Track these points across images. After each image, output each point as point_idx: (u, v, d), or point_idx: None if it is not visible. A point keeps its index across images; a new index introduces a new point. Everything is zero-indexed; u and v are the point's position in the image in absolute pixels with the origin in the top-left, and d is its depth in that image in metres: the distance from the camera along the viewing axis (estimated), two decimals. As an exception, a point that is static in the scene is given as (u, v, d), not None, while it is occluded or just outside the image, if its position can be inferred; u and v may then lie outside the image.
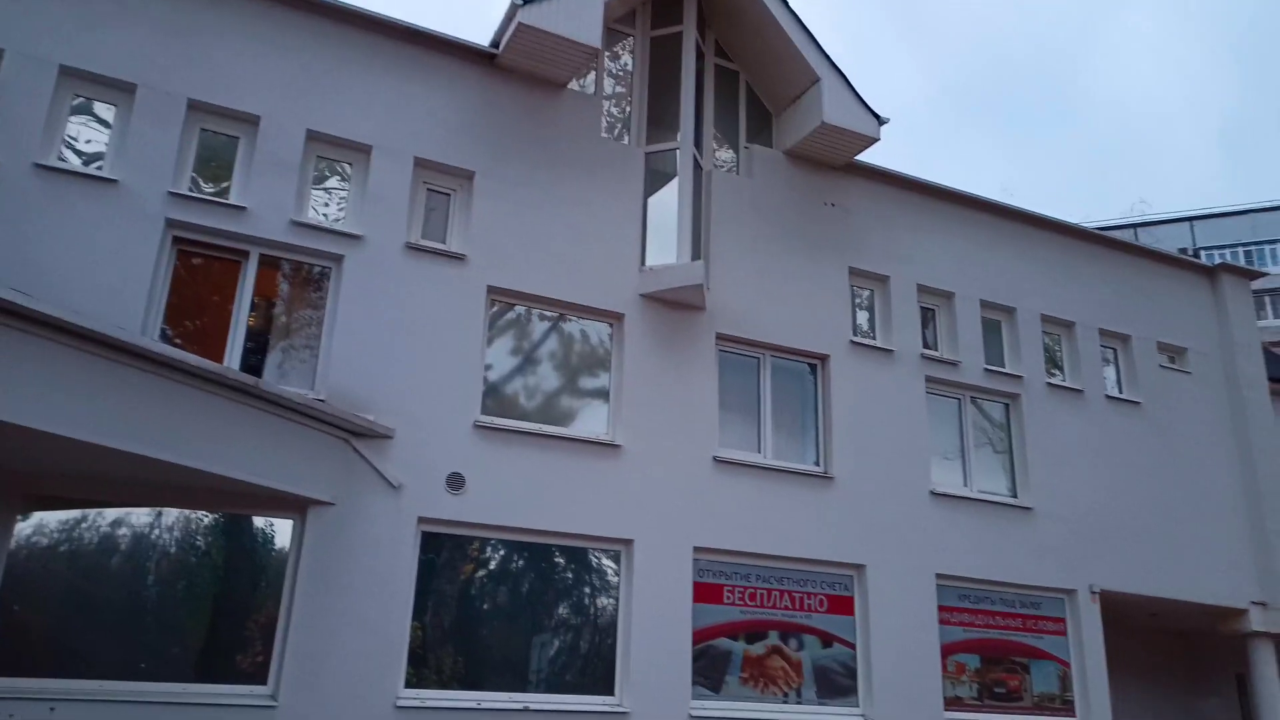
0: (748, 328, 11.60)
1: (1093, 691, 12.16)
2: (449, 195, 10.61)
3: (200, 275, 9.47)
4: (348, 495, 9.05)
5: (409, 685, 9.01)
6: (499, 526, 9.78)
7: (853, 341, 12.18)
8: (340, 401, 9.19)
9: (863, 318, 12.73)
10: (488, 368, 10.32)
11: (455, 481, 9.54)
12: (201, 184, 9.56)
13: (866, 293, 12.80)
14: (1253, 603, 13.56)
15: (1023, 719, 11.82)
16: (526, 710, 9.29)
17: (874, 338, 12.55)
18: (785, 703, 10.65)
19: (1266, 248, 50.87)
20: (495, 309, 10.54)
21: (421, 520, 9.39)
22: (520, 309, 10.68)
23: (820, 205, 12.56)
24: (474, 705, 9.11)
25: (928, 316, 13.13)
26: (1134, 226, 47.93)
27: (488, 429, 9.89)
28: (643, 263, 11.20)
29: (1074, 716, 12.10)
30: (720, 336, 11.44)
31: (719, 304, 11.44)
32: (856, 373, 12.08)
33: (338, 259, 9.77)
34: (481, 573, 9.84)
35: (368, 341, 9.59)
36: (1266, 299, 49.72)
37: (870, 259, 12.68)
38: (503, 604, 9.83)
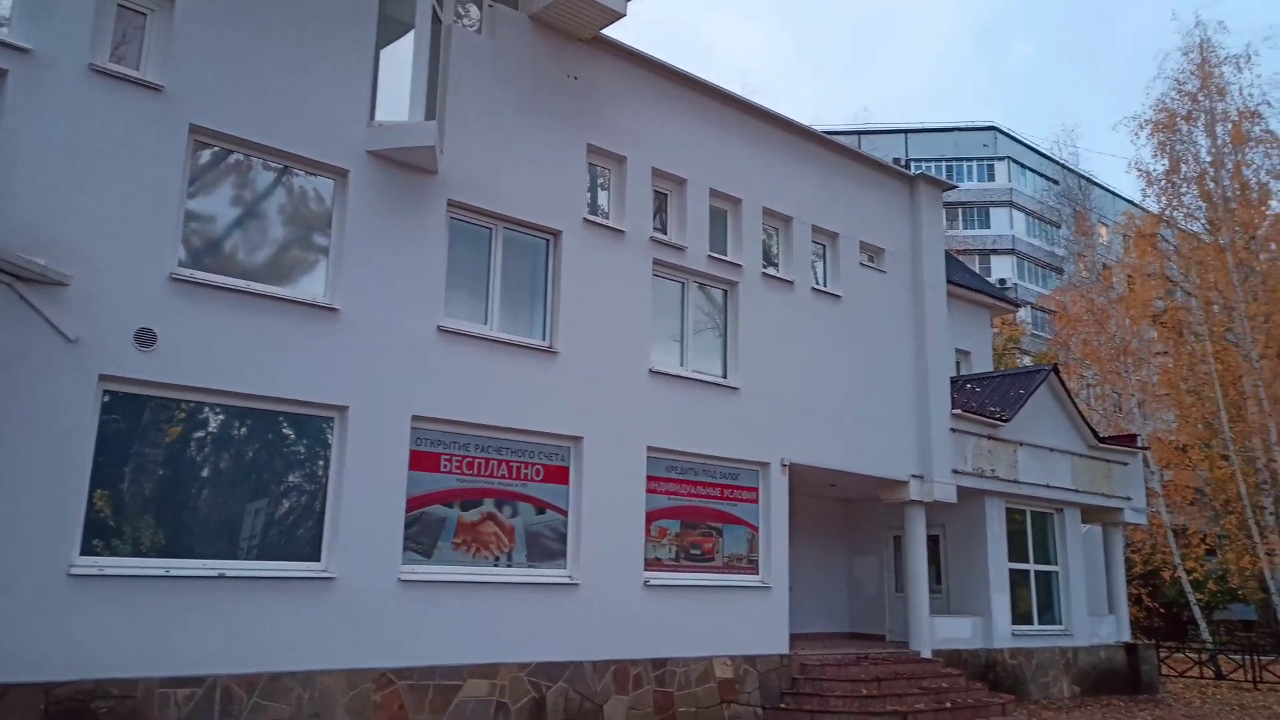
0: (481, 197, 11.34)
1: (774, 552, 13.59)
2: (145, 15, 9.32)
3: None
4: (13, 348, 8.08)
5: (87, 553, 8.36)
6: (198, 388, 9.12)
7: (586, 219, 12.27)
8: (1, 241, 8.02)
9: (598, 197, 12.82)
10: (193, 217, 9.40)
11: (145, 338, 8.73)
12: None
13: (604, 172, 12.87)
14: (912, 475, 15.61)
15: (713, 576, 13.02)
16: (222, 577, 8.94)
17: (607, 217, 12.71)
18: (496, 566, 11.01)
19: (964, 164, 56.83)
20: (211, 152, 9.55)
21: (104, 378, 8.57)
22: (237, 155, 9.74)
23: (563, 77, 12.33)
24: (161, 573, 8.63)
25: (660, 201, 13.46)
26: (857, 133, 51.55)
27: (187, 283, 9.09)
28: (372, 117, 10.53)
29: (757, 574, 13.49)
30: (452, 203, 11.11)
31: (452, 169, 11.05)
32: (588, 251, 12.23)
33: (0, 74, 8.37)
34: (180, 437, 9.17)
35: (38, 175, 8.39)
36: (959, 211, 55.84)
37: (609, 138, 12.70)
38: (205, 470, 9.27)
